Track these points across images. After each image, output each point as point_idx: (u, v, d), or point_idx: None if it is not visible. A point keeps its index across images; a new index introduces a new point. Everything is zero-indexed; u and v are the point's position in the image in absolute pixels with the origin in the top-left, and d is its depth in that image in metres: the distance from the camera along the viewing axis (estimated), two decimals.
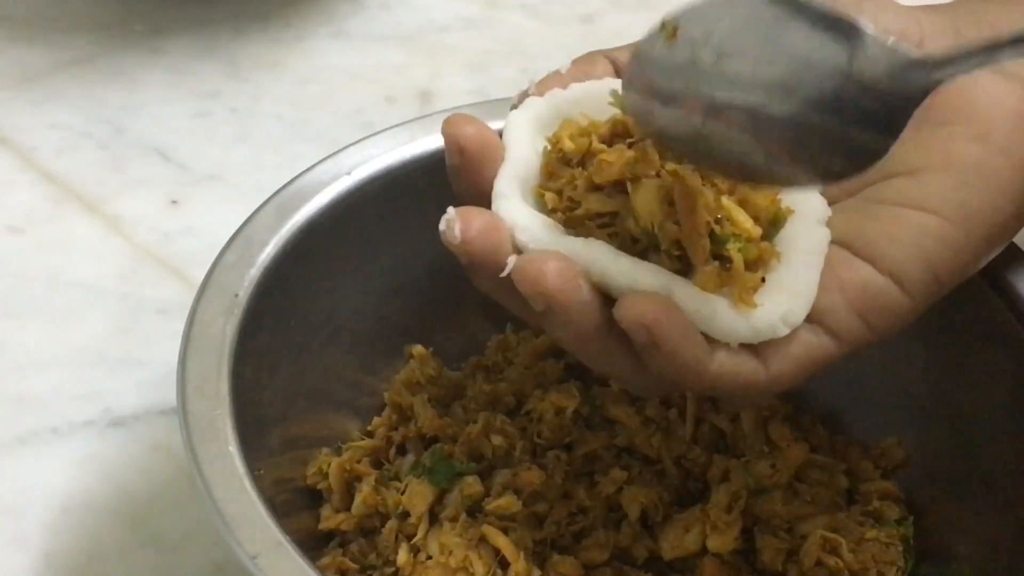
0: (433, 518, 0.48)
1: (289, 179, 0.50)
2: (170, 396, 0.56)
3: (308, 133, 0.70)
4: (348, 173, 0.51)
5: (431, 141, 0.52)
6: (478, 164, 0.40)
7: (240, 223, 0.49)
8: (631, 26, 0.80)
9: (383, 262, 0.52)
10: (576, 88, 0.42)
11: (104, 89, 0.72)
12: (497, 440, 0.49)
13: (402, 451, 0.51)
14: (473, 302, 0.54)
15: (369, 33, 0.78)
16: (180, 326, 0.53)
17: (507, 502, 0.47)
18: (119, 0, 0.78)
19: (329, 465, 0.50)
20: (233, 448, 0.42)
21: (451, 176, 0.41)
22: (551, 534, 0.47)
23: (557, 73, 0.43)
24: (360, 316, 0.53)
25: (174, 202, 0.66)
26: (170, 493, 0.53)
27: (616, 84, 0.42)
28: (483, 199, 0.40)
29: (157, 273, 0.62)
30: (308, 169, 0.50)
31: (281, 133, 0.71)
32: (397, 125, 0.52)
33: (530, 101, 0.42)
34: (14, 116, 0.70)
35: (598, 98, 0.42)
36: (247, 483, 0.41)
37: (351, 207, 0.50)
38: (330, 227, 0.50)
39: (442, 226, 0.39)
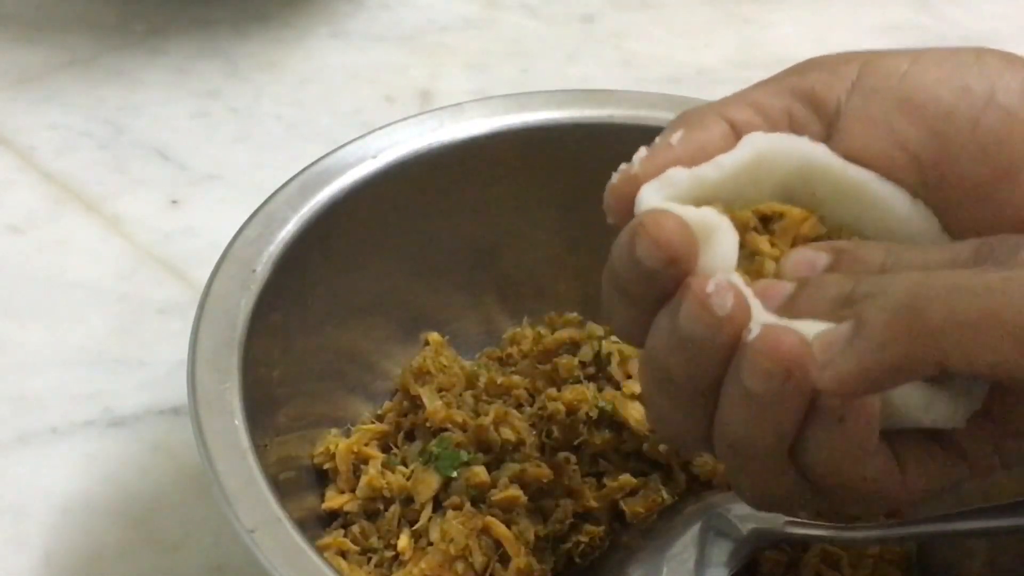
0: (437, 505, 0.48)
1: (296, 171, 0.50)
2: (170, 396, 0.57)
3: (308, 133, 0.70)
4: (374, 156, 0.51)
5: (458, 129, 0.52)
6: (684, 264, 0.36)
7: (240, 223, 0.49)
8: (631, 26, 0.80)
9: (404, 247, 0.53)
10: (708, 170, 0.38)
11: (104, 89, 0.72)
12: (507, 433, 0.49)
13: (411, 437, 0.51)
14: (492, 291, 0.55)
15: (369, 33, 0.78)
16: (180, 326, 0.53)
17: (513, 495, 0.47)
18: (119, 0, 0.78)
19: (337, 446, 0.50)
20: (239, 422, 0.42)
21: (638, 278, 0.37)
22: (555, 531, 0.47)
23: (667, 146, 0.39)
24: (377, 300, 0.53)
25: (174, 202, 0.66)
26: (170, 493, 0.53)
27: (744, 155, 0.39)
28: (652, 313, 0.37)
29: (157, 273, 0.62)
30: (335, 150, 0.51)
31: (281, 133, 0.71)
32: (425, 112, 0.53)
33: (650, 191, 0.38)
34: (14, 116, 0.70)
35: (737, 179, 0.39)
36: (250, 458, 0.41)
37: (375, 190, 0.51)
38: (353, 208, 0.50)
39: (710, 287, 0.35)
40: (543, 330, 0.55)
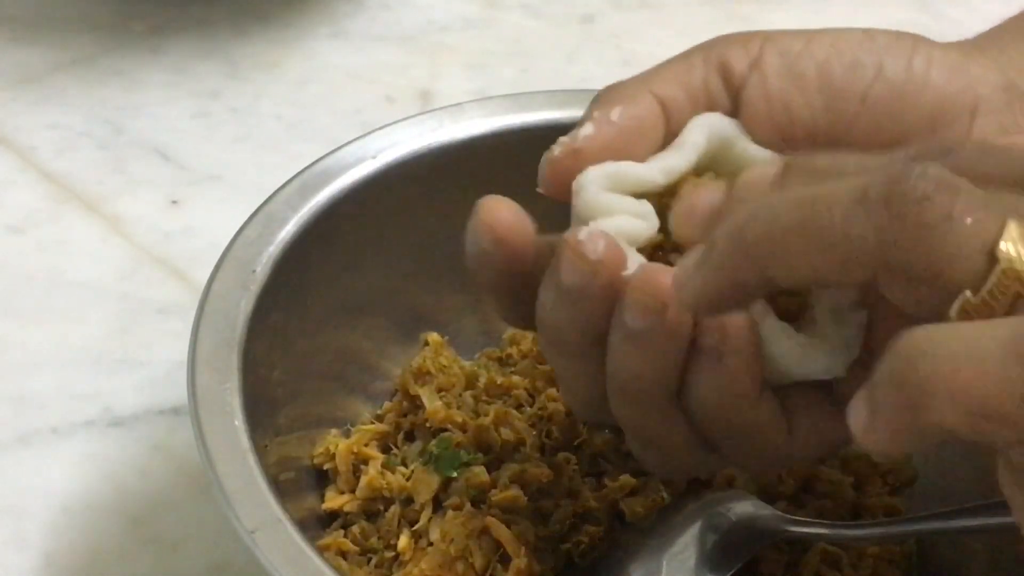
0: (437, 505, 0.48)
1: (296, 171, 0.50)
2: (170, 396, 0.57)
3: (308, 133, 0.70)
4: (374, 156, 0.51)
5: (458, 129, 0.52)
6: (511, 254, 0.40)
7: (240, 223, 0.49)
8: (631, 26, 0.80)
9: (403, 247, 0.53)
10: (655, 175, 0.40)
11: (104, 89, 0.72)
12: (506, 433, 0.49)
13: (411, 437, 0.51)
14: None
15: (369, 33, 0.78)
16: (180, 326, 0.53)
17: (513, 495, 0.47)
18: (119, 0, 0.78)
19: (337, 446, 0.50)
20: (239, 423, 0.42)
21: (475, 263, 0.40)
22: (555, 531, 0.47)
23: (608, 121, 0.40)
24: (377, 300, 0.53)
25: (174, 202, 0.66)
26: (170, 493, 0.53)
27: (690, 158, 0.40)
28: (512, 292, 0.40)
29: (157, 273, 0.62)
30: (335, 150, 0.51)
31: (281, 133, 0.71)
32: (425, 112, 0.53)
33: (595, 180, 0.39)
34: (14, 116, 0.70)
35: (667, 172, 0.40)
36: (251, 459, 0.41)
37: (375, 190, 0.51)
38: (352, 209, 0.50)
39: (582, 235, 0.37)
40: None
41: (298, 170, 0.51)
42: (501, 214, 0.40)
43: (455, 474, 0.48)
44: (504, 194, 0.53)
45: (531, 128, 0.54)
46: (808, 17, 0.79)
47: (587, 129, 0.40)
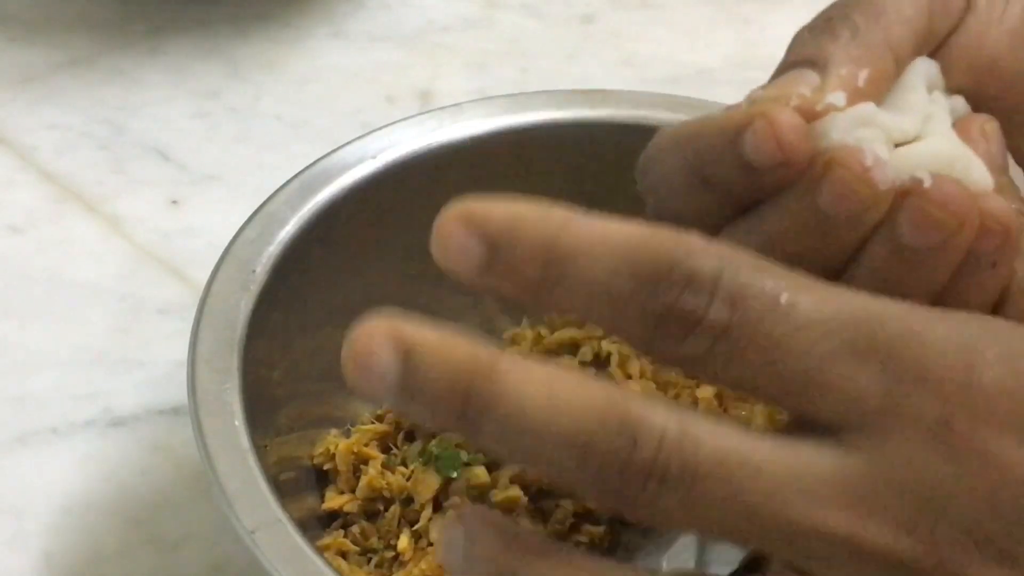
0: (437, 505, 0.48)
1: (296, 171, 0.50)
2: (170, 396, 0.57)
3: (308, 133, 0.70)
4: (374, 156, 0.51)
5: (458, 129, 0.52)
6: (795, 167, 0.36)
7: (240, 223, 0.49)
8: (631, 26, 0.80)
9: (404, 247, 0.53)
10: (891, 120, 0.37)
11: (104, 89, 0.72)
12: None
13: (411, 437, 0.51)
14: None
15: (369, 33, 0.78)
16: (180, 326, 0.53)
17: (513, 495, 0.47)
18: (119, 0, 0.78)
19: (337, 446, 0.50)
20: (239, 423, 0.42)
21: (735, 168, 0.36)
22: (555, 531, 0.47)
23: (854, 87, 0.38)
24: (377, 300, 0.52)
25: (174, 202, 0.66)
26: (170, 493, 0.53)
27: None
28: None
29: (157, 273, 0.62)
30: (334, 150, 0.51)
31: (281, 133, 0.71)
32: (425, 112, 0.53)
33: (843, 121, 0.37)
34: (14, 116, 0.70)
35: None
36: (251, 459, 0.41)
37: (375, 190, 0.51)
38: (352, 209, 0.50)
39: (869, 161, 0.35)
40: (543, 330, 0.55)
41: (298, 170, 0.51)
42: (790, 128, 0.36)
43: (455, 474, 0.48)
44: (505, 193, 0.54)
45: (531, 128, 0.54)
46: (808, 18, 0.79)
47: (838, 98, 0.37)
